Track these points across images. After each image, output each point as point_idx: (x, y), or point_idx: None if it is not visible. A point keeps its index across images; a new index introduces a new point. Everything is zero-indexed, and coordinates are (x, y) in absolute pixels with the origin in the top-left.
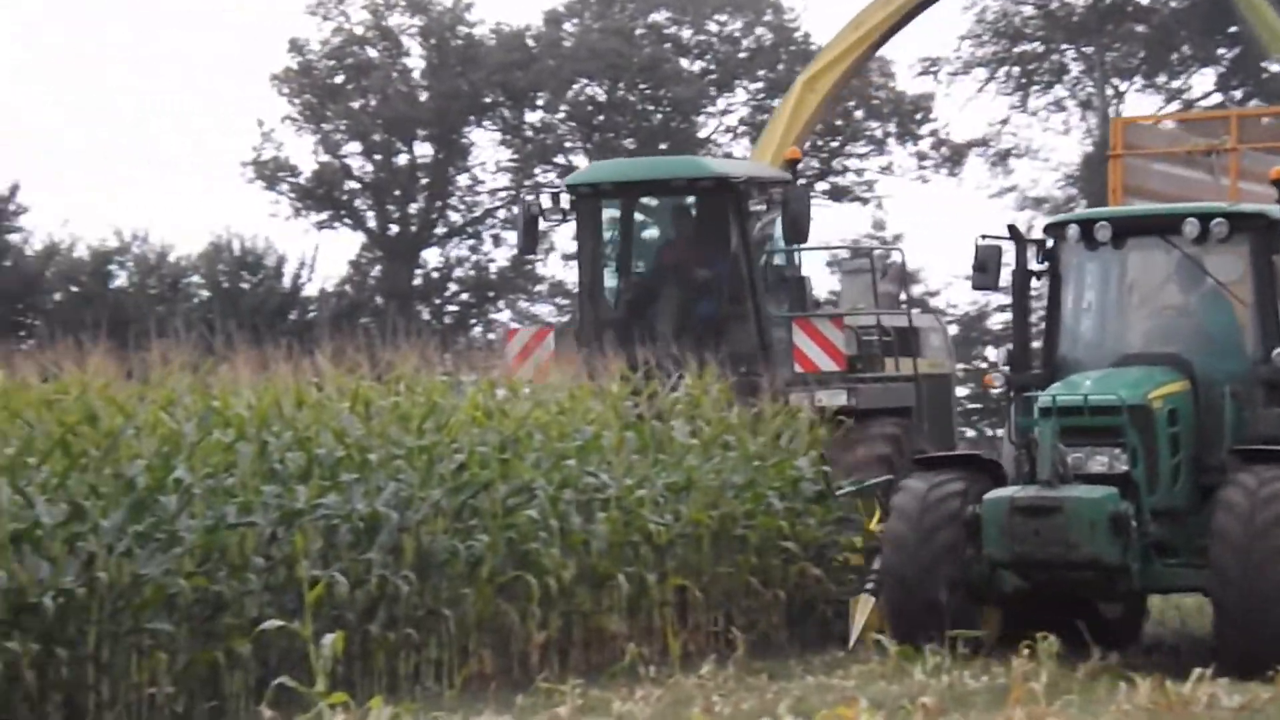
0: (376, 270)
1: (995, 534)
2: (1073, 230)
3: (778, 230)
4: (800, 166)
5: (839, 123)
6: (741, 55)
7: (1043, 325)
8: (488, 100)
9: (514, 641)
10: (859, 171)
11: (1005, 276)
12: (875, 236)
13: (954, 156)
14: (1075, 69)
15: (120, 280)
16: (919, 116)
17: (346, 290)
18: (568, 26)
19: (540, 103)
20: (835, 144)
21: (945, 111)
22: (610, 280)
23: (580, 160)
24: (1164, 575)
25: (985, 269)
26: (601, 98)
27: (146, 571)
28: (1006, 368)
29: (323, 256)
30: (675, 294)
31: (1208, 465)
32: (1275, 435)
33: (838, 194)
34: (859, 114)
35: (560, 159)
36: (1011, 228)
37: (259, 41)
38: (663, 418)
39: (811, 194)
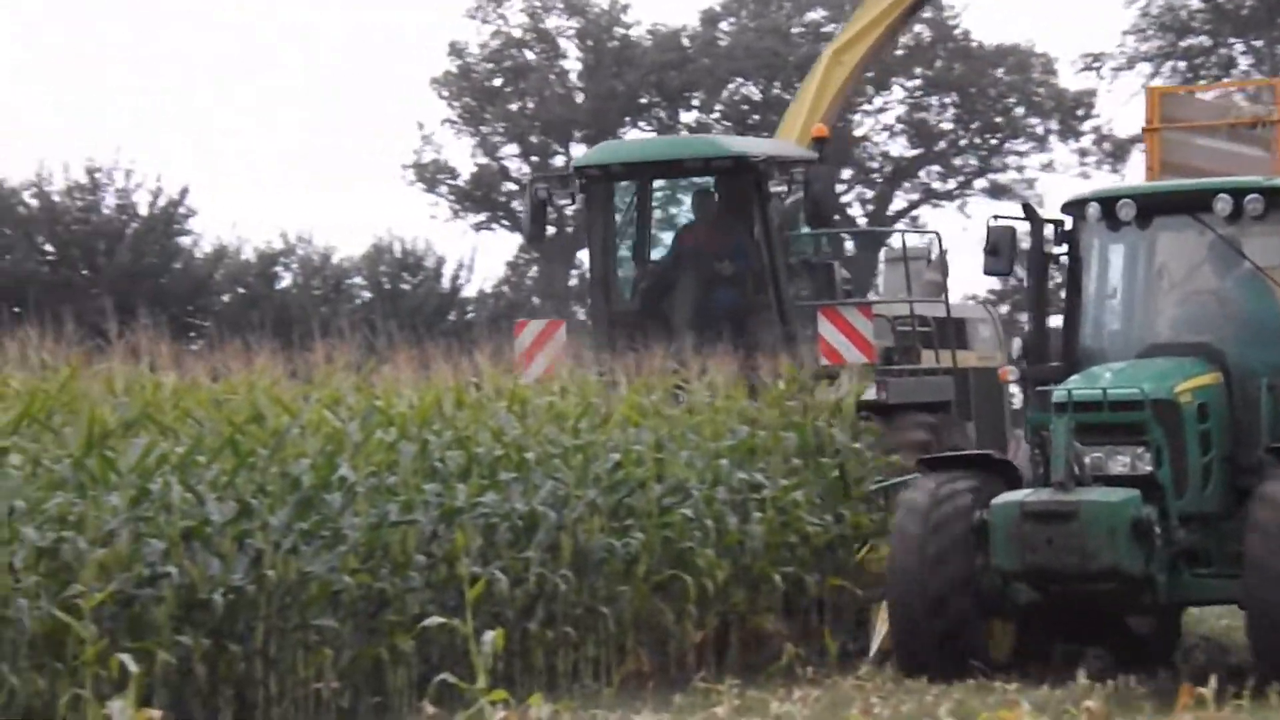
0: (533, 271)
1: (1004, 542)
2: (1093, 209)
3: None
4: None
5: (998, 119)
6: (899, 53)
7: (1063, 314)
8: (643, 101)
9: (670, 640)
10: (1019, 169)
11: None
12: (913, 223)
13: (1117, 152)
14: (1244, 63)
15: (285, 282)
16: (1080, 113)
17: (504, 291)
18: (724, 26)
19: (695, 103)
20: (995, 141)
21: (1108, 107)
22: (624, 269)
23: None
24: (1194, 587)
25: (998, 252)
26: (756, 97)
27: (312, 569)
28: (1022, 360)
29: (481, 257)
30: (692, 283)
31: (1243, 466)
32: None
33: (997, 191)
34: (1019, 110)
35: None
36: (1026, 206)
37: (421, 46)
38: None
39: (837, 174)
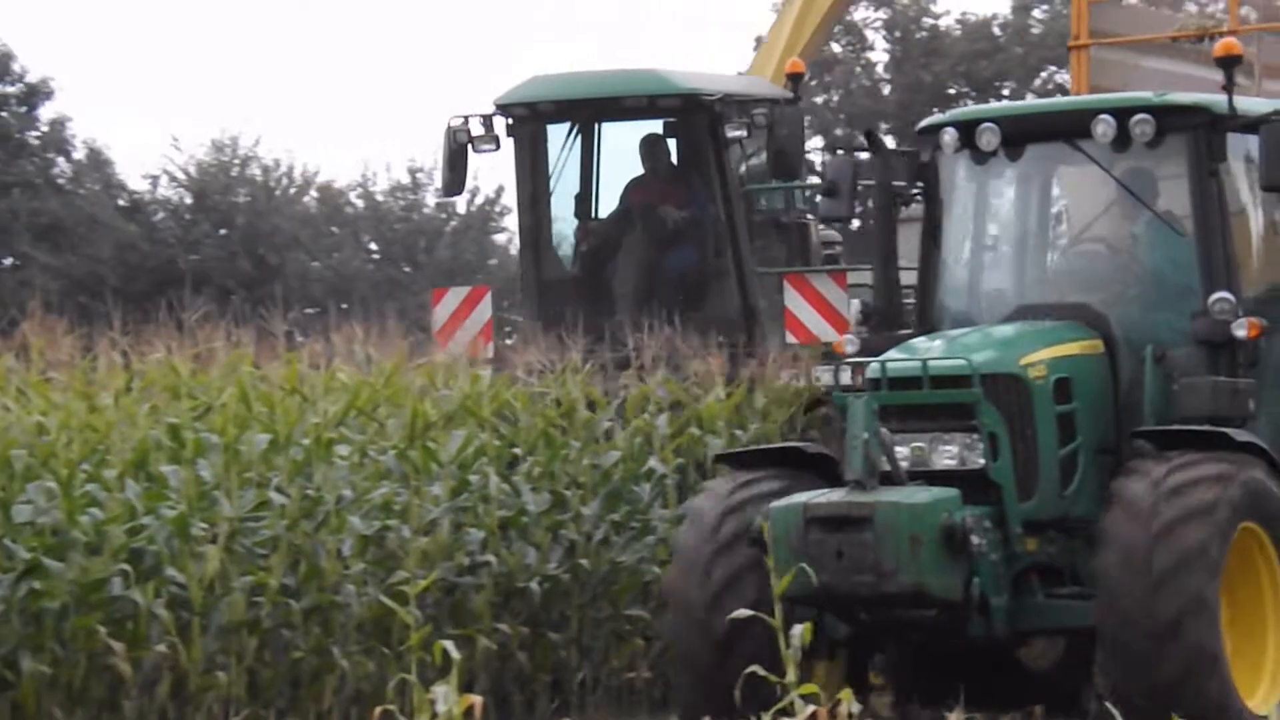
0: None
1: (785, 558)
2: (949, 136)
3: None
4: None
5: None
6: None
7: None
8: (951, 91)
9: None
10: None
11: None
12: None
13: None
14: None
15: None
16: None
17: None
18: (1036, 13)
19: (1006, 92)
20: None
21: None
22: (559, 226)
23: None
24: (1048, 612)
25: (836, 192)
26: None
27: (623, 559)
28: (863, 327)
29: None
30: (639, 245)
31: (1125, 457)
32: (1207, 413)
33: None
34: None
35: None
36: (869, 133)
37: (724, 40)
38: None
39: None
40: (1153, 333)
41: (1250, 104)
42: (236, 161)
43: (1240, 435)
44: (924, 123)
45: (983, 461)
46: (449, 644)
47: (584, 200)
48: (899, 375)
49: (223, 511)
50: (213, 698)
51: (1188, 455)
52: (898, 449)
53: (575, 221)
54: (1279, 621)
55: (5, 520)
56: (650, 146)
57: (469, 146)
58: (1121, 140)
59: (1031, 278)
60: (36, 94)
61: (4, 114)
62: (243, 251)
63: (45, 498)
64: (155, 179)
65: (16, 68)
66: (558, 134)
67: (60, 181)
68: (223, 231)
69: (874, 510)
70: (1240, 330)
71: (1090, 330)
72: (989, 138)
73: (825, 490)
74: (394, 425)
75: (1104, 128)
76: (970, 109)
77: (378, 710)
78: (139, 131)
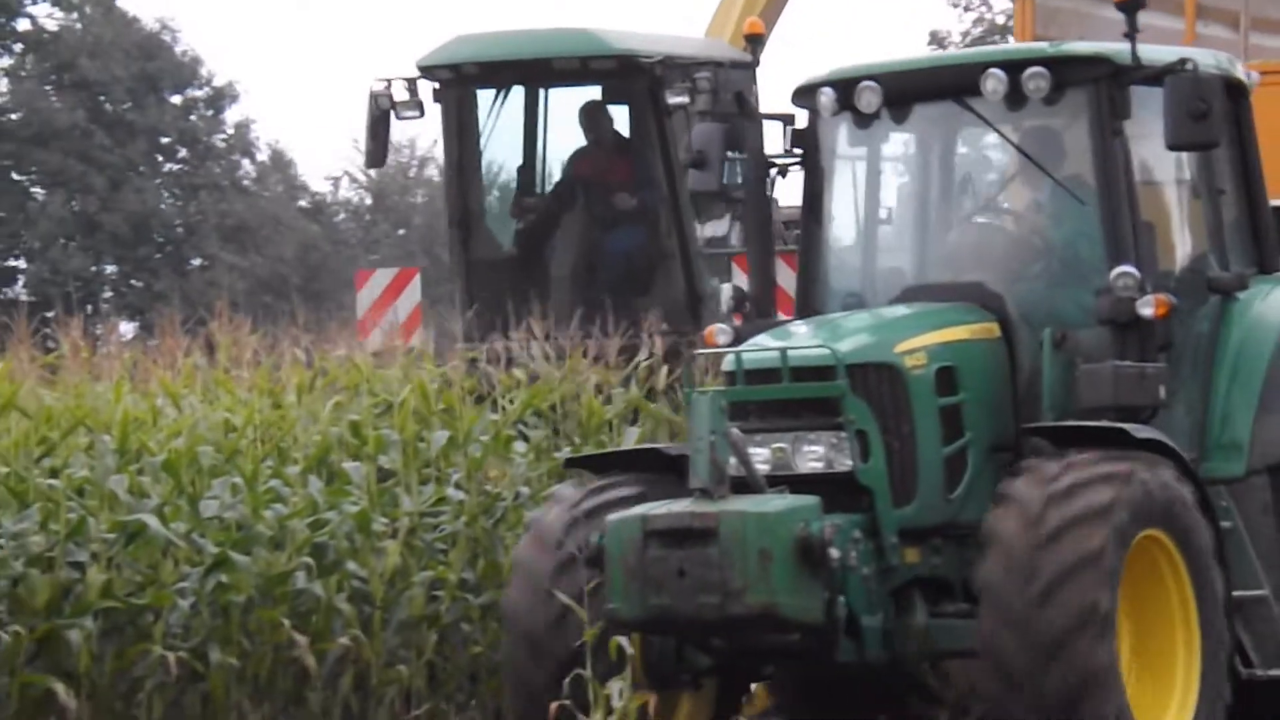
0: None
1: (621, 577)
2: (826, 97)
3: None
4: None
5: None
6: None
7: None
8: None
9: None
10: None
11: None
12: None
13: None
14: None
15: None
16: None
17: None
18: None
19: None
20: None
21: None
22: (490, 202)
23: None
24: (931, 633)
25: (704, 163)
26: None
27: None
28: (735, 314)
29: None
30: (578, 223)
31: (1025, 456)
32: (1110, 402)
33: None
34: None
35: None
36: (739, 96)
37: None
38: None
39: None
40: (1055, 313)
41: (1157, 53)
42: (414, 163)
43: (1142, 431)
44: (801, 82)
45: (851, 463)
46: (624, 640)
47: (526, 173)
48: (756, 367)
49: (403, 507)
50: (394, 691)
51: (1084, 454)
52: (757, 451)
53: (521, 197)
54: (1188, 639)
55: (193, 515)
56: (590, 115)
57: (391, 113)
58: (1015, 97)
59: (921, 255)
60: (223, 98)
61: (192, 118)
62: (420, 251)
63: (231, 493)
64: (336, 180)
65: (204, 72)
66: (490, 99)
67: (245, 183)
68: (401, 231)
69: (719, 522)
70: (1146, 309)
71: (984, 312)
72: (869, 98)
73: (668, 500)
74: (569, 424)
75: (994, 83)
76: (849, 66)
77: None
78: (320, 134)
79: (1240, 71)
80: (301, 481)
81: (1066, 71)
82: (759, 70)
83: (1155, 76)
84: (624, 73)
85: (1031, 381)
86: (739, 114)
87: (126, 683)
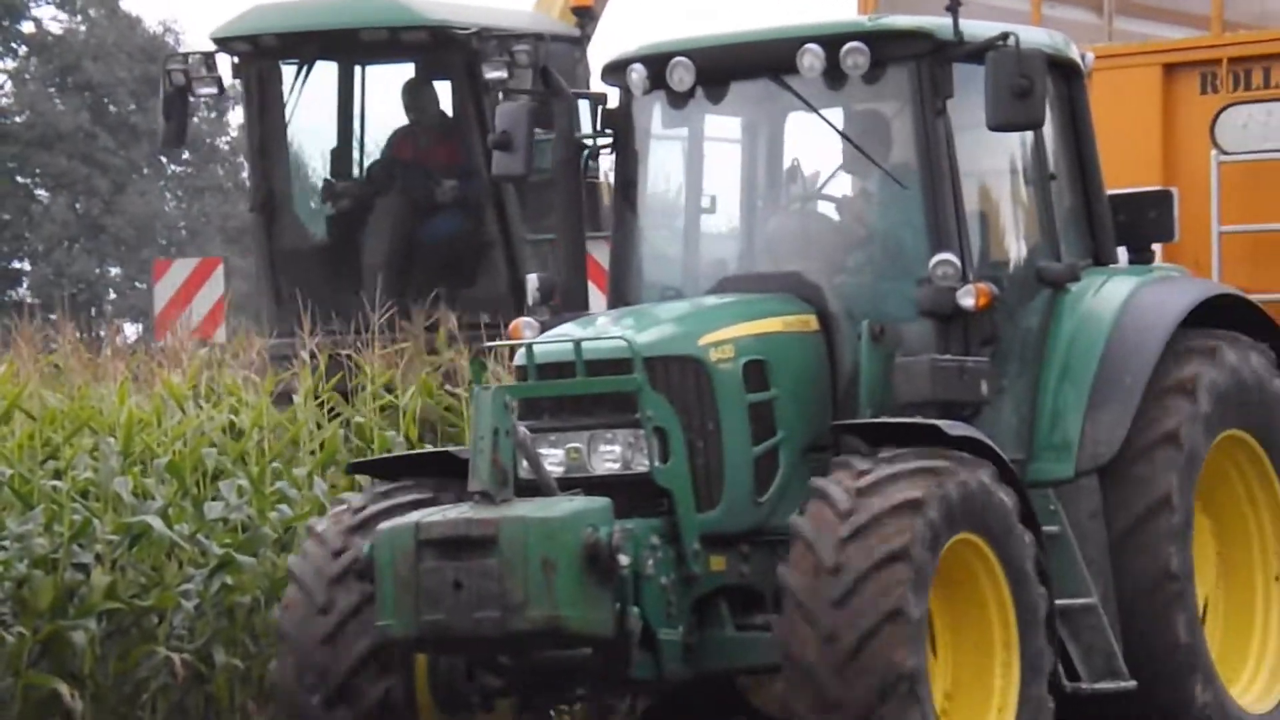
0: None
1: (391, 590)
2: (637, 74)
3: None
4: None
5: None
6: None
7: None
8: None
9: None
10: None
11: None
12: None
13: None
14: None
15: None
16: None
17: None
18: None
19: None
20: None
21: None
22: (296, 185)
23: None
24: (737, 646)
25: (509, 144)
26: None
27: None
28: (543, 307)
29: None
30: (394, 209)
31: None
32: (928, 398)
33: None
34: None
35: None
36: (545, 71)
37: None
38: None
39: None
40: (879, 305)
41: (980, 28)
42: None
43: (956, 429)
44: (611, 58)
45: (648, 464)
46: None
47: (341, 155)
48: (548, 361)
49: None
50: None
51: (895, 451)
52: (550, 452)
53: (333, 180)
54: (1007, 651)
55: (198, 516)
56: (411, 93)
57: (187, 90)
58: (834, 75)
59: (740, 244)
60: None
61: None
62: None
63: (237, 494)
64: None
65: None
66: (289, 74)
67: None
68: None
69: (498, 529)
70: (967, 299)
71: (801, 304)
72: (681, 75)
73: (445, 506)
74: None
75: (811, 59)
76: (662, 41)
77: None
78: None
79: (1074, 52)
80: (308, 483)
81: (886, 47)
82: (589, 47)
83: (977, 53)
84: (438, 45)
85: (852, 377)
86: (546, 91)
87: (131, 684)
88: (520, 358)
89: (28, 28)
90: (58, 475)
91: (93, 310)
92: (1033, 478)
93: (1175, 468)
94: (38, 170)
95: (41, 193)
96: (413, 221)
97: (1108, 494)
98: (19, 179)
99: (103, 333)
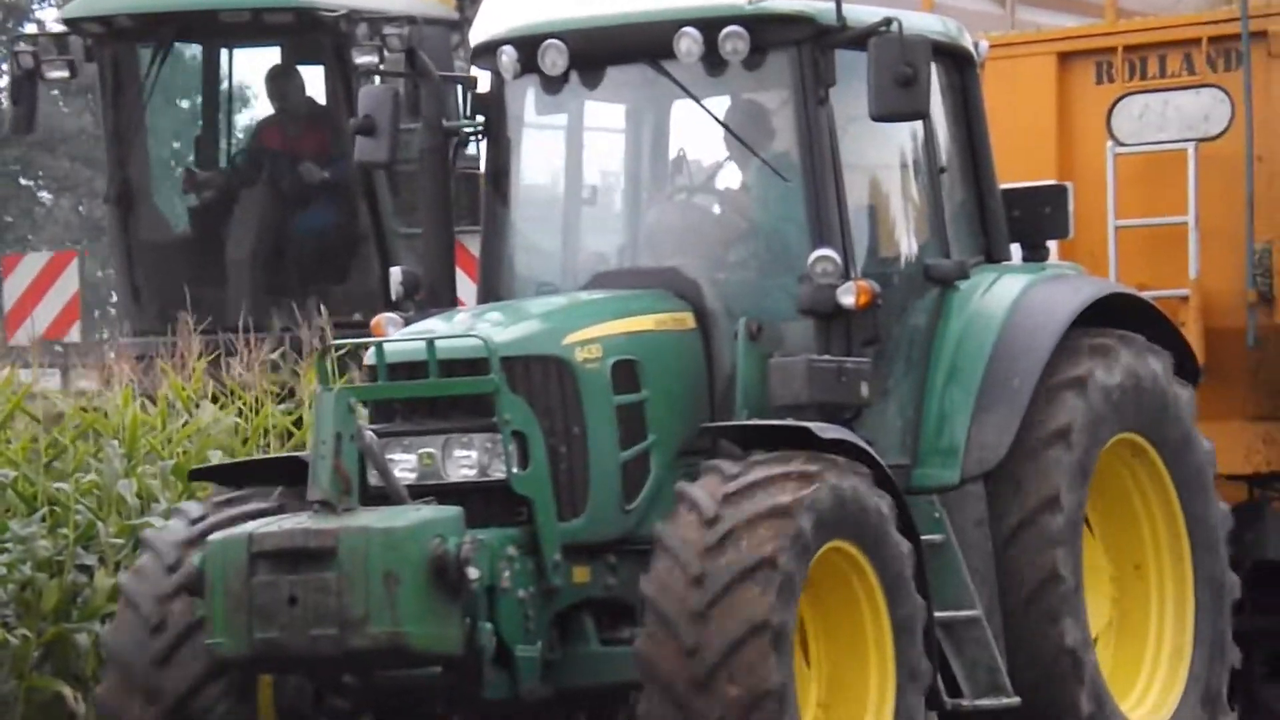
0: None
1: (223, 606)
2: (508, 56)
3: None
4: None
5: None
6: None
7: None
8: None
9: None
10: None
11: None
12: None
13: None
14: None
15: None
16: None
17: None
18: None
19: None
20: None
21: None
22: (155, 175)
23: None
24: (602, 663)
25: (372, 129)
26: None
27: None
28: (408, 301)
29: None
30: (261, 201)
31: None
32: (805, 400)
33: None
34: None
35: None
36: (411, 53)
37: None
38: None
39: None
40: (761, 303)
41: (865, 13)
42: None
43: (829, 431)
44: (482, 39)
45: (506, 470)
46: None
47: (206, 144)
48: (400, 360)
49: None
50: None
51: (765, 456)
52: (402, 458)
53: (195, 170)
54: (882, 666)
55: None
56: (276, 79)
57: (37, 73)
58: (713, 60)
59: (616, 238)
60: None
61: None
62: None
63: None
64: None
65: None
66: (147, 58)
67: None
68: None
69: (337, 540)
70: (847, 297)
71: (677, 301)
72: (554, 57)
73: (283, 516)
74: None
75: (688, 44)
76: (534, 21)
77: None
78: None
79: (967, 40)
80: None
81: (766, 32)
82: (470, 30)
83: (860, 39)
84: (304, 28)
85: (731, 379)
86: (412, 74)
87: None
88: (370, 357)
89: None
90: (62, 478)
91: (96, 313)
92: (917, 484)
93: (1064, 467)
94: (40, 172)
95: (45, 195)
96: (280, 214)
97: (994, 499)
98: (22, 181)
99: (107, 334)
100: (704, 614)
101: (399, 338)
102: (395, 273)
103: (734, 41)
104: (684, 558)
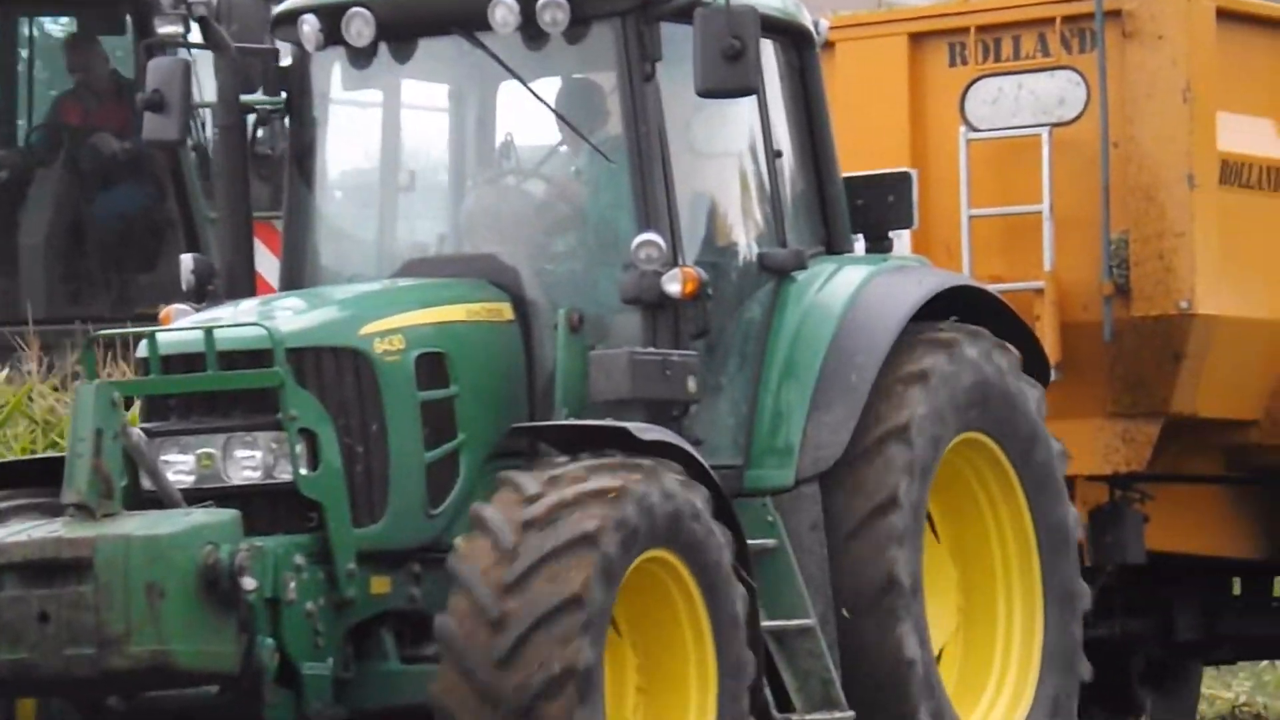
0: None
1: None
2: (310, 26)
3: None
4: None
5: None
6: None
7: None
8: None
9: None
10: None
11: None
12: None
13: None
14: None
15: None
16: None
17: None
18: None
19: None
20: None
21: None
22: None
23: None
24: (401, 681)
25: (162, 105)
26: None
27: None
28: (200, 290)
29: None
30: (58, 181)
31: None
32: (627, 395)
33: None
34: None
35: None
36: (204, 23)
37: None
38: None
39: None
40: (585, 293)
41: None
42: None
43: (649, 433)
44: (280, 8)
45: (293, 471)
46: None
47: (4, 121)
48: (174, 352)
49: None
50: None
51: (574, 464)
52: (178, 459)
53: None
54: (702, 679)
55: None
56: (74, 50)
57: None
58: (532, 32)
59: (432, 223)
60: None
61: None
62: None
63: None
64: None
65: None
66: None
67: None
68: None
69: (94, 549)
70: (673, 285)
71: (493, 290)
72: (359, 28)
73: (34, 524)
74: None
75: (504, 13)
76: None
77: None
78: None
79: (805, 17)
80: None
81: (589, 4)
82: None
83: (685, 10)
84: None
85: (552, 374)
86: (205, 45)
87: None
88: (142, 349)
89: None
90: None
91: None
92: (749, 485)
93: (903, 464)
94: None
95: None
96: (80, 196)
97: (830, 501)
98: None
99: None
100: (505, 662)
101: (173, 327)
102: (186, 260)
103: (553, 11)
104: (481, 598)
